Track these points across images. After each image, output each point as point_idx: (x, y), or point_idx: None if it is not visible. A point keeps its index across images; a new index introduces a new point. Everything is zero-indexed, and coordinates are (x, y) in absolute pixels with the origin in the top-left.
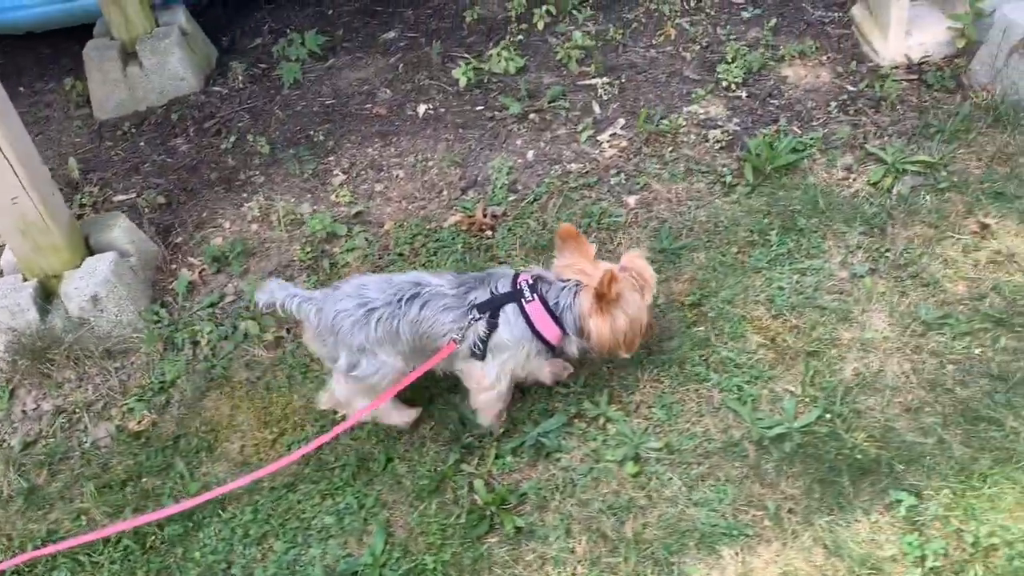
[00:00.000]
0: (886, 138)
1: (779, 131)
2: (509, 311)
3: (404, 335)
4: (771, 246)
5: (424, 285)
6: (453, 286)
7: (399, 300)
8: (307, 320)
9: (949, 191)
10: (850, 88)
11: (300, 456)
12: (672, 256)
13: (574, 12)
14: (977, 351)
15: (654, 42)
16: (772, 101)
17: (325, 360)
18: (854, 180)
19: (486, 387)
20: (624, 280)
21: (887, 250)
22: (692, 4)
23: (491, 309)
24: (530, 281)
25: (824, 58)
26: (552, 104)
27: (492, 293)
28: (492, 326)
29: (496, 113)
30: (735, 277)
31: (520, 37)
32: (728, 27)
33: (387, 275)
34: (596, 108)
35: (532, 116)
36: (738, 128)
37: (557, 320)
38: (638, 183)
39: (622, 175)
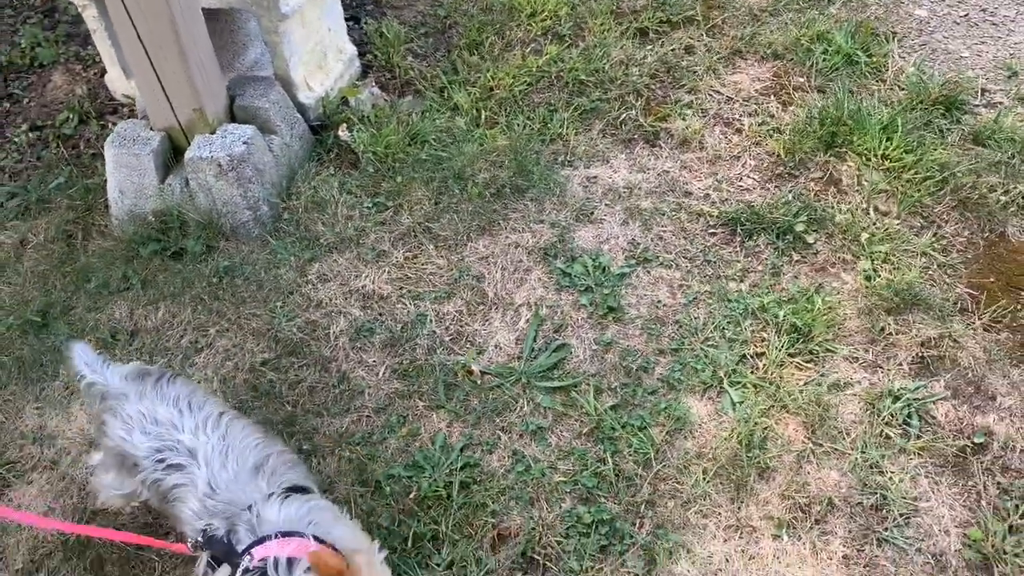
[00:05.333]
0: None
1: None
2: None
3: (152, 492)
4: None
5: (192, 465)
6: (211, 492)
7: (160, 461)
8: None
9: None
10: (65, 115)
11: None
12: None
13: None
14: None
15: None
16: None
17: None
18: None
19: None
20: None
21: None
22: None
23: (211, 553)
24: (255, 563)
25: (98, 70)
26: None
27: (226, 537)
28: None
29: None
30: None
31: None
32: None
33: (185, 408)
34: None
35: None
36: None
37: None
38: None
39: None
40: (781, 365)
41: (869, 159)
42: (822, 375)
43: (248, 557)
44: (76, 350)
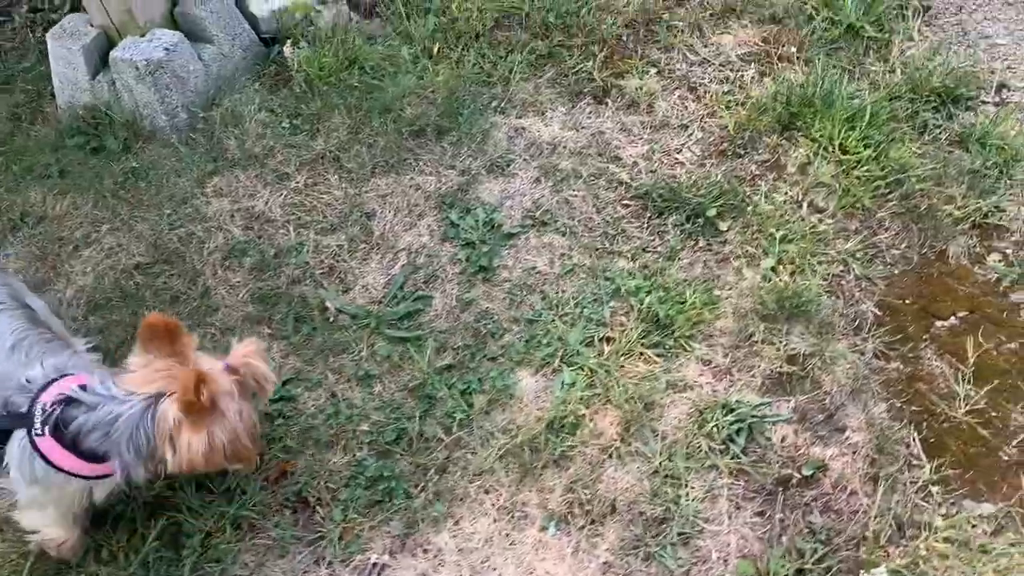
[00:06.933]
0: None
1: None
2: (15, 446)
3: None
4: None
5: None
6: None
7: None
8: None
9: None
10: None
11: None
12: None
13: None
14: None
15: None
16: None
17: None
18: None
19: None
20: (222, 384)
21: None
22: None
23: None
24: (48, 405)
25: None
26: None
27: (5, 411)
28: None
29: None
30: None
31: None
32: None
33: None
34: None
35: None
36: None
37: (94, 456)
38: None
39: None
40: (627, 354)
41: (824, 148)
42: (665, 371)
43: (39, 406)
44: None
